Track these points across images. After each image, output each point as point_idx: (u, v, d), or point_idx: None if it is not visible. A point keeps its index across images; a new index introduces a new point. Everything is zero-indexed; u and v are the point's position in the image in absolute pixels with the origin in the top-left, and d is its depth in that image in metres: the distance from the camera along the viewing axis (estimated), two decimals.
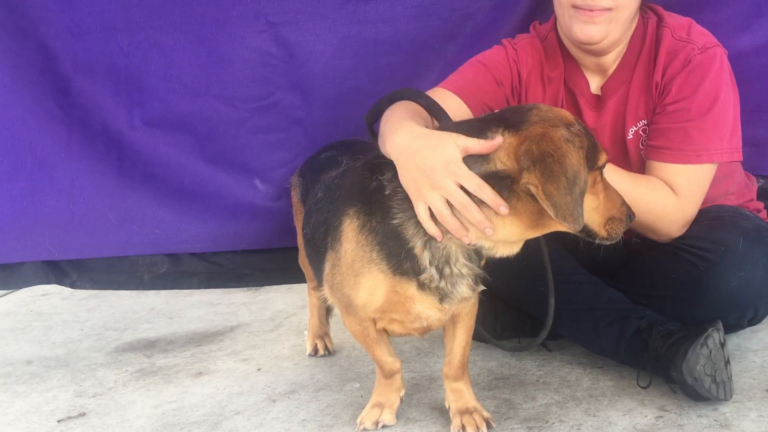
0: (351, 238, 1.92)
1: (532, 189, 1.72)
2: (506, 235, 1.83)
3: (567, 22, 2.26)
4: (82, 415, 2.47)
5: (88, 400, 2.59)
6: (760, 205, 2.62)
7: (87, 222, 2.97)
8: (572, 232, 1.83)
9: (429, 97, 2.16)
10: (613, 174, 2.21)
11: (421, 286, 1.89)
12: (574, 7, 2.21)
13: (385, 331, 2.09)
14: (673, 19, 2.30)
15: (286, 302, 3.53)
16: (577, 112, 2.42)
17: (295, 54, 2.85)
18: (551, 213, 1.70)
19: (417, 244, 1.86)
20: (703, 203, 2.35)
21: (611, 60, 2.34)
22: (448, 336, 2.12)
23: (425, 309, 1.95)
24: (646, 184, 2.24)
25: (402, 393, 2.17)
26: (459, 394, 2.10)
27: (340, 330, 2.85)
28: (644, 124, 2.34)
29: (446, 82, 2.49)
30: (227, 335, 3.16)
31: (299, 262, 2.74)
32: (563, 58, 2.43)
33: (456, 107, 2.41)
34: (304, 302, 3.45)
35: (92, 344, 3.23)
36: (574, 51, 2.38)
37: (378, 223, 1.88)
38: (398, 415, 2.16)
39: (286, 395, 2.45)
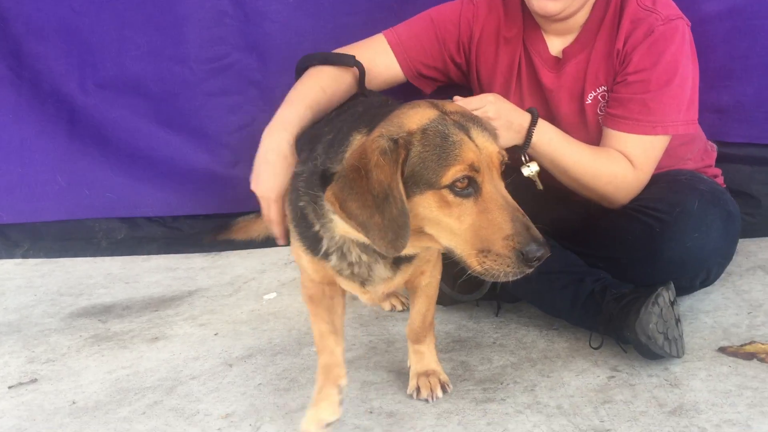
0: (288, 211, 1.94)
1: (328, 205, 1.62)
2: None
3: None
4: (34, 381, 2.43)
5: (40, 366, 2.55)
6: (718, 171, 2.65)
7: (37, 185, 2.91)
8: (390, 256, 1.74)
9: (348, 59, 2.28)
10: (574, 147, 2.23)
11: (338, 273, 1.84)
12: None
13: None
14: None
15: (246, 267, 3.48)
16: (534, 72, 2.41)
17: (250, 13, 2.80)
18: (362, 234, 1.57)
19: (318, 228, 1.79)
20: (662, 168, 2.38)
21: (572, 24, 2.34)
22: (411, 300, 2.10)
23: (351, 290, 1.92)
24: (607, 156, 2.25)
25: (342, 382, 1.97)
26: (420, 356, 2.11)
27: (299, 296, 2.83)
28: (603, 90, 2.34)
29: (392, 31, 2.54)
30: (185, 300, 3.12)
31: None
32: (523, 19, 2.41)
33: (387, 63, 2.50)
34: (264, 267, 3.44)
35: (46, 310, 3.16)
36: (534, 15, 2.37)
37: (292, 201, 1.88)
38: (355, 379, 2.15)
39: (243, 359, 2.43)
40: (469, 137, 1.55)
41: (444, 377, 2.08)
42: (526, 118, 2.19)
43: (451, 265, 2.43)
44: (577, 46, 2.37)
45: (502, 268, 1.53)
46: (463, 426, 1.89)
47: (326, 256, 1.81)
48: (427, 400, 2.01)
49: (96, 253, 3.06)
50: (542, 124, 2.21)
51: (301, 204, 1.81)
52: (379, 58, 2.46)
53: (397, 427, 1.93)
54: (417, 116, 1.59)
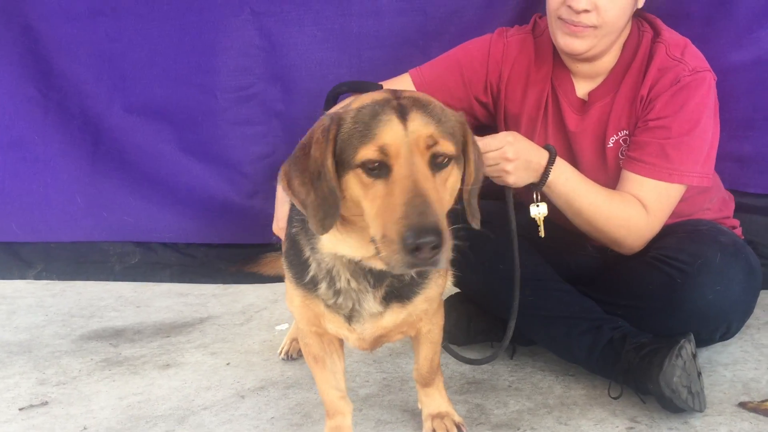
0: (284, 242, 1.89)
1: (281, 183, 1.58)
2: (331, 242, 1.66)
3: (553, 30, 2.28)
4: (45, 404, 2.42)
5: (51, 389, 2.53)
6: (736, 222, 2.65)
7: (55, 205, 2.93)
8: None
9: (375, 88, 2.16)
10: (590, 188, 2.24)
11: (325, 304, 1.77)
12: (560, 18, 2.22)
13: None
14: (670, 35, 2.31)
15: (258, 296, 3.47)
16: (560, 113, 2.43)
17: (277, 45, 2.82)
18: (305, 214, 1.55)
19: (308, 255, 1.74)
20: (681, 217, 2.37)
21: (600, 68, 2.35)
22: (415, 347, 2.04)
23: (337, 329, 1.83)
24: (620, 200, 2.26)
25: None
26: (431, 399, 2.08)
27: None
28: (625, 134, 2.35)
29: (417, 70, 2.57)
30: (196, 327, 3.11)
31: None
32: (553, 59, 2.43)
33: None
34: (276, 296, 3.43)
35: (57, 331, 3.16)
36: (562, 55, 2.39)
37: (287, 231, 1.83)
38: (369, 417, 2.14)
39: (255, 391, 2.41)
40: (400, 118, 1.47)
41: (458, 418, 2.06)
42: (544, 156, 2.19)
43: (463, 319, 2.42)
44: (602, 89, 2.38)
45: (392, 256, 1.40)
46: None
47: (314, 284, 1.75)
48: None
49: (109, 277, 3.06)
50: (560, 163, 2.21)
51: (294, 230, 1.78)
52: None
53: None
54: (366, 98, 1.56)
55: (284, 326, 3.03)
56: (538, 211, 2.26)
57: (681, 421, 2.02)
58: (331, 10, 2.78)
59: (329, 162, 1.50)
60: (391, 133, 1.47)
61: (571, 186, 2.23)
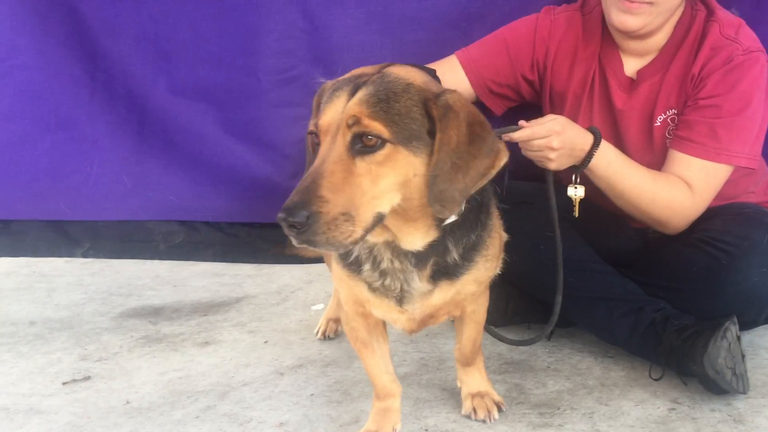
0: None
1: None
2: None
3: (607, 6, 2.25)
4: (87, 378, 2.46)
5: (92, 364, 2.57)
6: None
7: (102, 184, 2.96)
8: None
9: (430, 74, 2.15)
10: (633, 170, 2.21)
11: (370, 287, 1.74)
12: None
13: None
14: (724, 14, 2.27)
15: (292, 276, 3.50)
16: (607, 91, 2.40)
17: (320, 27, 2.81)
18: None
19: None
20: (724, 200, 2.34)
21: (651, 45, 2.32)
22: (458, 327, 2.04)
23: (385, 313, 1.81)
24: (666, 181, 2.23)
25: (398, 427, 1.96)
26: (471, 378, 2.08)
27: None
28: (673, 113, 2.31)
29: (463, 50, 2.55)
30: (233, 306, 3.14)
31: None
32: (602, 37, 2.40)
33: (458, 80, 2.50)
34: (310, 277, 3.46)
35: (96, 308, 3.20)
36: (613, 32, 2.36)
37: None
38: (408, 396, 2.14)
39: (294, 369, 2.43)
40: (346, 95, 1.45)
41: (497, 398, 2.06)
42: (589, 140, 2.17)
43: (501, 300, 2.40)
44: (652, 67, 2.35)
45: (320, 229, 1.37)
46: None
47: (358, 265, 1.73)
48: (484, 421, 1.99)
49: (154, 256, 3.10)
50: (603, 146, 2.18)
51: None
52: (449, 74, 2.46)
53: None
54: (357, 71, 1.54)
55: (320, 306, 3.05)
56: (575, 192, 2.25)
57: (724, 403, 2.00)
58: None
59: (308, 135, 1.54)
60: (330, 110, 1.46)
61: (614, 169, 2.21)
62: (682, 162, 2.23)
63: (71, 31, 2.89)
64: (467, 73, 2.52)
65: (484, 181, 1.53)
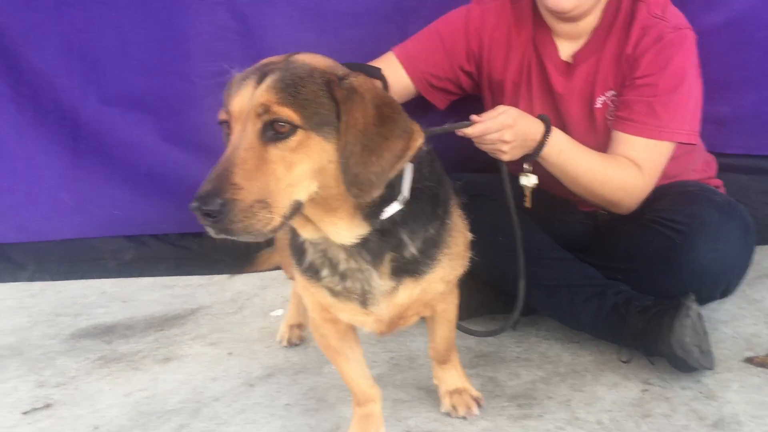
0: None
1: None
2: None
3: None
4: (48, 406, 2.37)
5: (51, 390, 2.48)
6: (720, 182, 2.70)
7: (41, 203, 2.85)
8: None
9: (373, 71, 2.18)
10: (584, 155, 2.27)
11: (332, 291, 1.72)
12: None
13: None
14: None
15: (245, 283, 3.43)
16: (545, 76, 2.45)
17: (252, 27, 2.77)
18: None
19: (302, 237, 1.68)
20: (668, 178, 2.42)
21: (583, 28, 2.37)
22: (429, 326, 2.04)
23: (352, 317, 1.78)
24: (616, 162, 2.29)
25: (382, 431, 1.97)
26: (448, 375, 2.10)
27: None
28: (612, 95, 2.37)
29: (400, 46, 2.57)
30: (189, 318, 3.07)
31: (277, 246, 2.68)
32: (533, 23, 2.45)
33: (397, 76, 2.52)
34: (264, 282, 3.40)
35: (44, 331, 3.08)
36: (545, 16, 2.41)
37: None
38: (385, 397, 2.13)
39: (264, 379, 2.40)
40: (253, 83, 1.44)
41: (476, 393, 2.08)
42: (540, 130, 2.21)
43: (464, 293, 2.42)
44: (587, 50, 2.40)
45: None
46: None
47: (315, 271, 1.71)
48: (464, 418, 2.01)
49: (103, 274, 3.01)
50: (554, 134, 2.23)
51: None
52: (388, 71, 2.44)
53: None
54: (265, 60, 1.54)
55: (279, 312, 3.01)
56: (528, 181, 2.29)
57: (693, 380, 2.07)
58: None
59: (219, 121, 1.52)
60: (238, 98, 1.44)
61: (566, 156, 2.26)
62: (626, 142, 2.29)
63: None
64: (406, 69, 2.53)
65: (401, 164, 1.51)
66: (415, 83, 2.56)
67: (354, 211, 1.56)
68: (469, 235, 1.93)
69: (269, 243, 2.67)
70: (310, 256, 1.71)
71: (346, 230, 1.58)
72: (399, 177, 1.60)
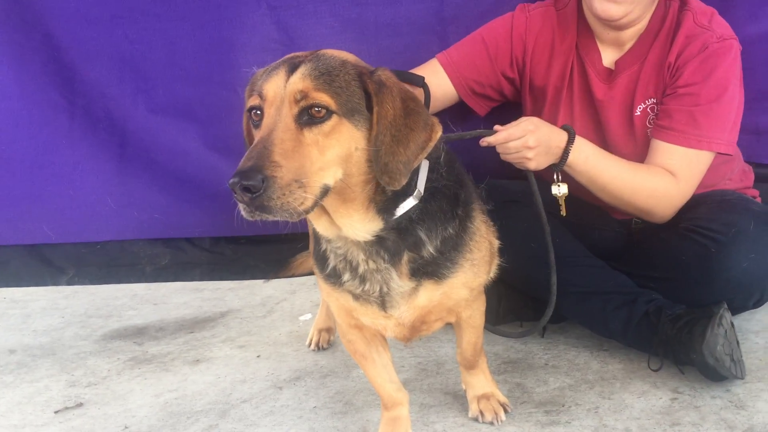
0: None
1: None
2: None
3: None
4: (80, 405, 2.40)
5: (82, 390, 2.51)
6: (756, 192, 2.67)
7: (86, 207, 2.95)
8: None
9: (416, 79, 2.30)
10: (612, 162, 2.27)
11: (353, 295, 1.73)
12: None
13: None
14: (697, 4, 2.33)
15: (274, 287, 3.46)
16: (587, 82, 2.45)
17: (295, 38, 2.83)
18: None
19: (324, 244, 1.72)
20: (704, 188, 2.40)
21: (629, 36, 2.36)
22: (457, 332, 2.03)
23: (372, 320, 1.78)
24: (646, 171, 2.28)
25: None
26: (476, 380, 2.09)
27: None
28: (653, 103, 2.36)
29: (444, 53, 2.59)
30: (219, 321, 3.10)
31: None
32: (578, 29, 2.45)
33: (440, 82, 2.54)
34: (293, 287, 3.43)
35: (77, 332, 3.13)
36: (592, 22, 2.40)
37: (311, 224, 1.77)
38: (412, 401, 2.14)
39: (292, 382, 2.41)
40: (288, 73, 1.48)
41: (503, 398, 2.07)
42: (563, 138, 2.22)
43: (493, 299, 2.41)
44: (629, 58, 2.39)
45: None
46: None
47: (337, 276, 1.72)
48: (492, 423, 2.00)
49: (141, 279, 3.09)
50: (579, 142, 2.23)
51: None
52: (431, 77, 2.48)
53: None
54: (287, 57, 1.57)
55: (308, 316, 3.03)
56: (559, 191, 2.30)
57: (723, 390, 2.04)
58: (346, 0, 2.77)
59: (244, 118, 1.59)
60: (271, 84, 1.48)
61: (592, 163, 2.25)
62: (665, 151, 2.28)
63: (48, 58, 2.91)
64: (449, 75, 2.54)
65: (424, 154, 1.54)
66: (457, 89, 2.57)
67: (368, 203, 1.58)
68: (496, 242, 1.93)
69: (304, 247, 2.70)
70: (332, 261, 1.73)
71: (359, 223, 1.59)
72: (415, 173, 1.62)
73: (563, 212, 2.33)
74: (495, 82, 2.56)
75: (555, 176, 2.29)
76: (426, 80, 2.43)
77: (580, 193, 2.47)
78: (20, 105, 2.94)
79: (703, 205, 2.33)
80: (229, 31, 2.81)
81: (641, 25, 2.35)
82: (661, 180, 2.27)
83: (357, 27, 2.79)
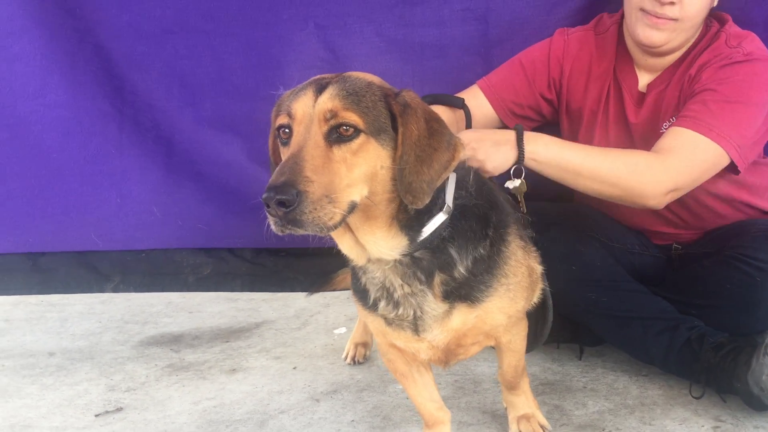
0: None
1: None
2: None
3: (633, 22, 2.28)
4: (120, 409, 2.43)
5: (122, 395, 2.55)
6: None
7: (132, 215, 3.01)
8: None
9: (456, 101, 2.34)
10: (577, 148, 2.16)
11: (386, 320, 1.76)
12: (642, 10, 2.24)
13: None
14: (734, 29, 2.31)
15: (308, 300, 3.48)
16: (622, 106, 2.45)
17: (341, 56, 2.86)
18: None
19: (363, 278, 1.75)
20: (754, 193, 2.39)
21: (667, 62, 2.37)
22: (498, 353, 2.02)
23: (406, 344, 1.80)
24: (619, 151, 2.19)
25: None
26: (517, 400, 2.09)
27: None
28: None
29: (485, 78, 2.59)
30: (254, 332, 3.13)
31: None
32: (617, 53, 2.45)
33: (479, 105, 2.53)
34: (327, 300, 3.45)
35: (114, 337, 3.17)
36: (632, 48, 2.41)
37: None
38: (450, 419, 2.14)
39: (329, 395, 2.42)
40: (315, 93, 1.52)
41: (543, 420, 2.07)
42: (511, 133, 2.12)
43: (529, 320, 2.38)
44: (659, 80, 2.40)
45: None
46: None
47: (375, 305, 1.74)
48: None
49: (183, 288, 3.17)
50: (532, 133, 2.14)
51: None
52: (472, 101, 2.49)
53: None
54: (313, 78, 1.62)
55: (342, 330, 3.05)
56: (513, 184, 2.14)
57: (765, 419, 2.03)
58: (393, 21, 2.80)
59: (270, 138, 1.65)
60: (300, 103, 1.52)
61: (555, 150, 2.13)
62: (670, 133, 2.19)
63: (99, 68, 2.98)
64: (489, 98, 2.54)
65: (447, 174, 1.57)
66: (497, 112, 2.56)
67: (391, 221, 1.59)
68: (539, 268, 1.93)
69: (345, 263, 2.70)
70: (372, 294, 1.74)
71: (382, 240, 1.60)
72: (441, 190, 1.63)
73: (523, 208, 2.17)
74: (534, 103, 2.57)
75: (512, 171, 2.13)
76: (468, 104, 2.44)
77: (620, 216, 2.47)
78: (71, 114, 3.01)
79: (746, 234, 2.32)
80: (278, 49, 2.86)
81: (680, 52, 2.36)
82: (641, 156, 2.15)
83: (401, 47, 2.82)
